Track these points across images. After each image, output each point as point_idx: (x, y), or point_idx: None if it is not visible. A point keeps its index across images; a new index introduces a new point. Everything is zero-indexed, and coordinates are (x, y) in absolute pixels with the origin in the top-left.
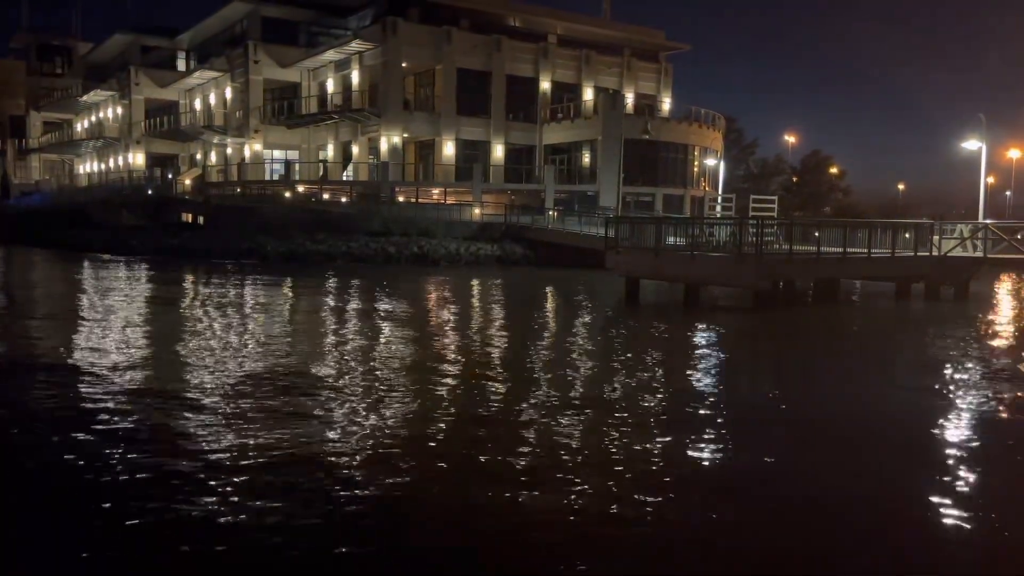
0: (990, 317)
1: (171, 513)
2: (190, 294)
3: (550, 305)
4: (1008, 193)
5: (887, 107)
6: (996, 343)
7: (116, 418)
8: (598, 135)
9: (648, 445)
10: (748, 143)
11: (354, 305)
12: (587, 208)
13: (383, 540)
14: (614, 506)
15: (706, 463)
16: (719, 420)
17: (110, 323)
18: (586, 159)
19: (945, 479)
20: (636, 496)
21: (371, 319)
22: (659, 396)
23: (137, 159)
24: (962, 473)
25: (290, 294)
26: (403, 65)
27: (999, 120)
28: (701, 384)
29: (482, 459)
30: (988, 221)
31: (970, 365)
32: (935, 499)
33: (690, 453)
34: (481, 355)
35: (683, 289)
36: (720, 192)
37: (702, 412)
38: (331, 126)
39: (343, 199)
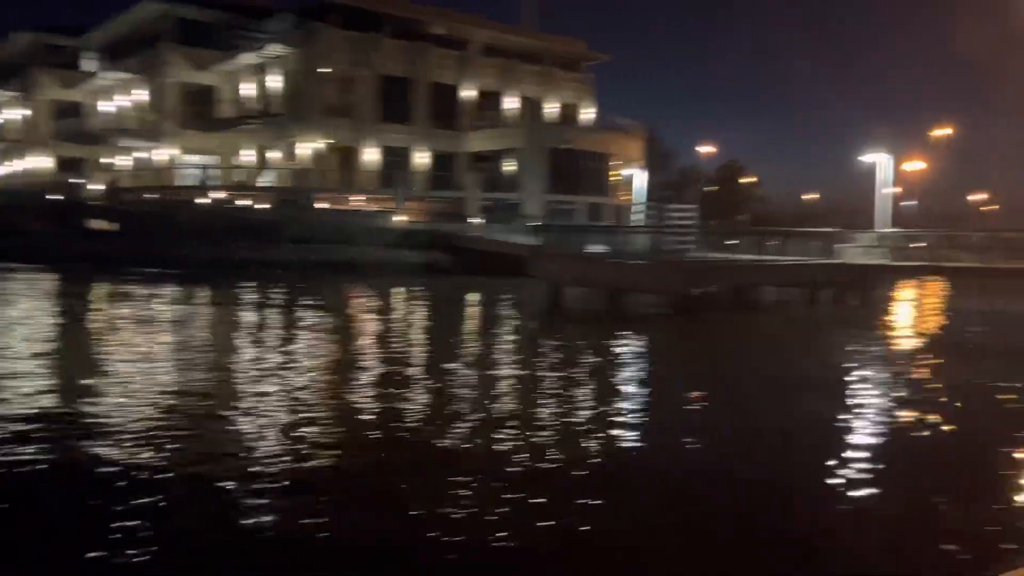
0: (890, 319)
1: None
2: (101, 305)
3: (475, 313)
4: (910, 203)
5: (802, 118)
6: (895, 345)
7: None
8: (521, 143)
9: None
10: (667, 152)
11: (274, 315)
12: (512, 216)
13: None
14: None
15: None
16: (635, 423)
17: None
18: (509, 167)
19: (834, 463)
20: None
21: (289, 329)
22: (576, 402)
23: (42, 163)
24: (853, 458)
25: (208, 303)
26: (324, 71)
27: (907, 132)
28: (621, 388)
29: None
30: (890, 230)
31: (869, 366)
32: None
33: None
34: (398, 365)
35: (607, 296)
36: (641, 200)
37: (620, 417)
38: (250, 131)
39: (264, 206)
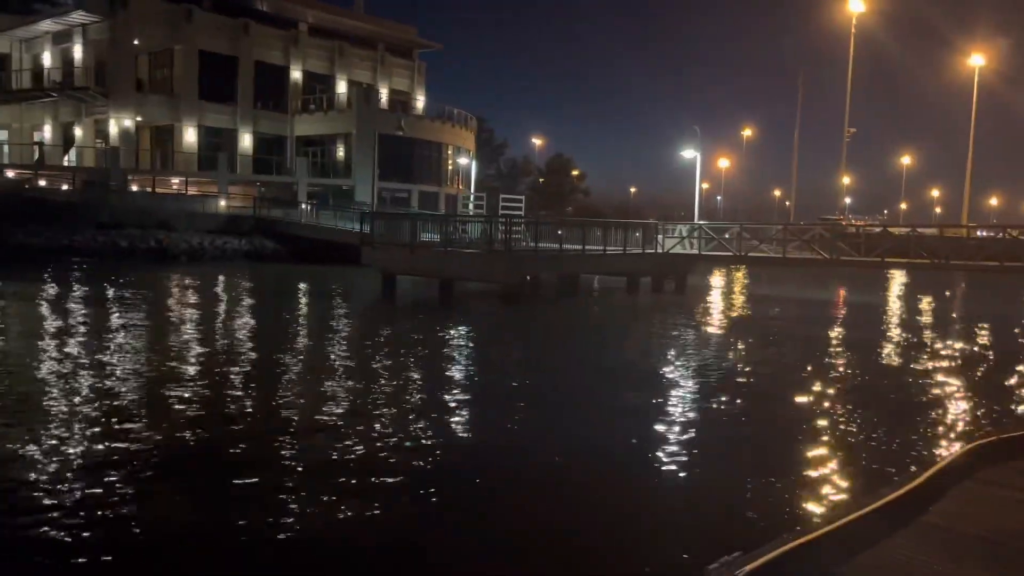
0: (702, 306)
1: None
2: None
3: (303, 302)
4: (719, 197)
5: (622, 115)
6: (705, 327)
7: None
8: (352, 129)
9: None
10: (498, 144)
11: (71, 307)
12: (342, 203)
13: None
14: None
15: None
16: (462, 408)
17: None
18: (340, 153)
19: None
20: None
21: (90, 323)
22: (405, 390)
23: None
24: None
25: None
26: (135, 43)
27: (715, 132)
28: (449, 374)
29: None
30: (702, 223)
31: (681, 347)
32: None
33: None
34: (215, 362)
35: (438, 284)
36: (472, 190)
37: (447, 401)
38: (49, 105)
39: (65, 187)
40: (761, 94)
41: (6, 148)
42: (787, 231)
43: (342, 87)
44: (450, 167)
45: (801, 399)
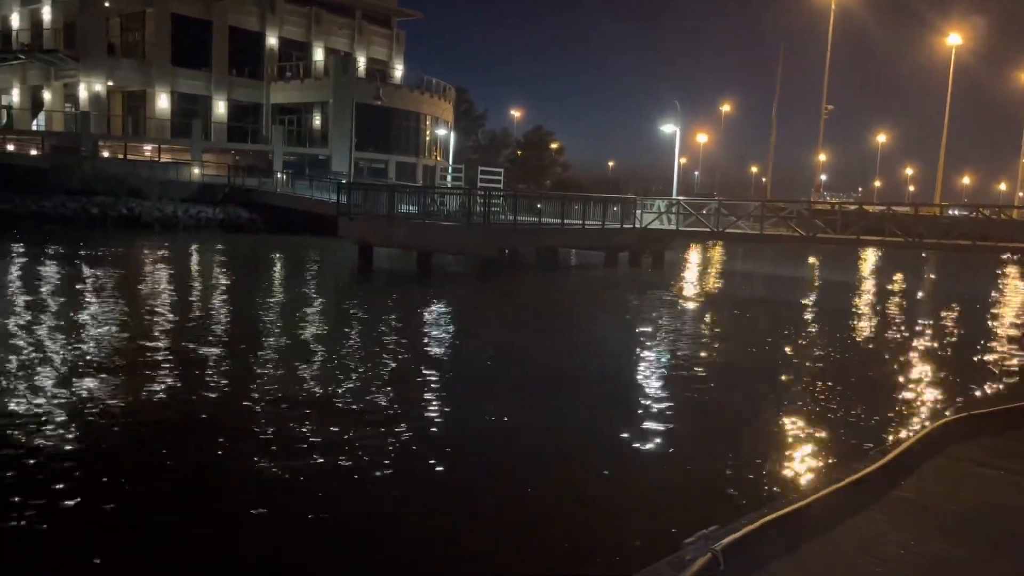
0: (678, 280)
1: None
2: None
3: (277, 274)
4: (696, 173)
5: (601, 88)
6: (682, 301)
7: None
8: (329, 97)
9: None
10: (477, 115)
11: (44, 274)
12: (319, 172)
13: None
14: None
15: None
16: (438, 379)
17: None
18: (317, 122)
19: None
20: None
21: (58, 294)
22: (385, 361)
23: None
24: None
25: None
26: (106, 4)
27: (693, 107)
28: (427, 348)
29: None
30: (680, 198)
31: (659, 322)
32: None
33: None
34: (184, 334)
35: (415, 256)
36: (451, 162)
37: (425, 373)
38: (16, 67)
39: (33, 152)
40: (741, 69)
41: None
42: (764, 207)
43: (319, 55)
44: (428, 138)
45: (774, 374)
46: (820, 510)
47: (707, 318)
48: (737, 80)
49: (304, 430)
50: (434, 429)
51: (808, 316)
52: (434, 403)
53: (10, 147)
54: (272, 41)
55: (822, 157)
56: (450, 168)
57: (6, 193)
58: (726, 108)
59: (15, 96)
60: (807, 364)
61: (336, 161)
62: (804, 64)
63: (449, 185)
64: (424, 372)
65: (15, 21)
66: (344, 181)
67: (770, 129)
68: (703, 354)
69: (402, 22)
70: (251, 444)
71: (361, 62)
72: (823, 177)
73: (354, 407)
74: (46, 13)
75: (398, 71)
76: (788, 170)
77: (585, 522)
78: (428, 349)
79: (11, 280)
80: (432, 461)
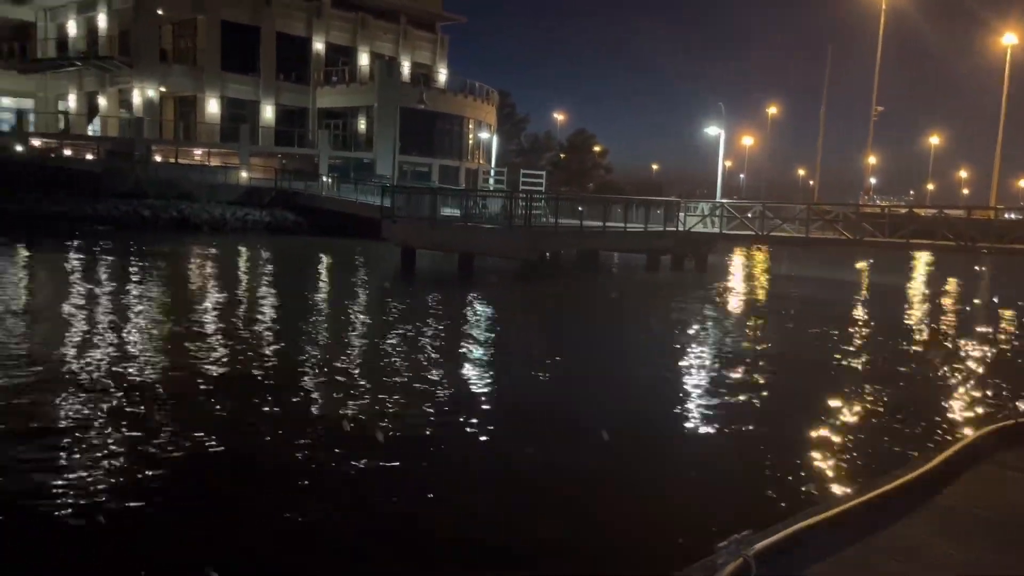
0: (722, 285)
1: None
2: None
3: (324, 275)
4: (742, 176)
5: (646, 91)
6: (727, 306)
7: None
8: (374, 102)
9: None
10: (520, 119)
11: (99, 274)
12: (363, 176)
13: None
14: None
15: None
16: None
17: None
18: (362, 126)
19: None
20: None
21: (118, 292)
22: (433, 361)
23: None
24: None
25: (23, 264)
26: (159, 12)
27: (738, 109)
28: (473, 348)
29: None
30: (724, 201)
31: (704, 325)
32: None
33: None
34: (241, 331)
35: (457, 259)
36: (493, 165)
37: (473, 375)
38: (73, 74)
39: (89, 156)
40: (788, 71)
41: (31, 117)
42: (811, 211)
43: (364, 59)
44: (471, 141)
45: (821, 378)
46: (859, 516)
47: (752, 321)
48: (783, 81)
49: (352, 428)
50: (465, 420)
51: (858, 319)
52: (469, 396)
53: (67, 152)
54: (319, 46)
55: (871, 160)
56: (492, 171)
57: (63, 196)
58: (773, 110)
59: (71, 102)
60: (855, 367)
61: (380, 165)
62: (853, 64)
63: (491, 188)
64: (462, 369)
65: (71, 29)
66: (388, 184)
67: (817, 131)
68: (748, 355)
69: (446, 26)
70: (298, 425)
71: (405, 66)
72: (872, 180)
73: (391, 398)
74: (101, 21)
75: (442, 75)
76: (836, 172)
77: (616, 523)
78: (466, 347)
79: (86, 278)
80: (479, 456)
